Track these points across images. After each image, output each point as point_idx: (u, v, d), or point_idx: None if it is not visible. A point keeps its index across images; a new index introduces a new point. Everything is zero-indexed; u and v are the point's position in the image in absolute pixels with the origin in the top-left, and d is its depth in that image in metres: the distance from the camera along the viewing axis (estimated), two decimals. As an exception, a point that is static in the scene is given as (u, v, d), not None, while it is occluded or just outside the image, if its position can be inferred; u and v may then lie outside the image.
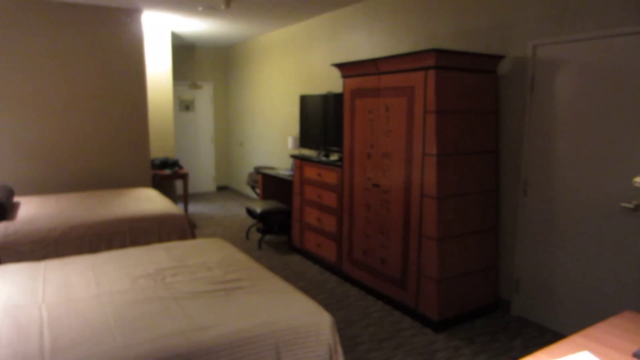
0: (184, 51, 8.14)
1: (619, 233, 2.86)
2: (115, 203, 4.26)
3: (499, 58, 3.38)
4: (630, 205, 2.75)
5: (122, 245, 3.72)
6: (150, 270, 2.56)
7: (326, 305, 3.75)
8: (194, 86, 8.38)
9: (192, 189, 8.59)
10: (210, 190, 8.86)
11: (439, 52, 3.06)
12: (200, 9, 5.00)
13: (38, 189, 4.94)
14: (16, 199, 4.42)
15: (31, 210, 3.95)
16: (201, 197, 8.37)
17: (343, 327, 3.36)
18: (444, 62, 3.13)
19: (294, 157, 5.02)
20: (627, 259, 2.83)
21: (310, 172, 4.73)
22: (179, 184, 7.80)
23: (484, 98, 3.39)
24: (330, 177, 4.39)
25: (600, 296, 2.99)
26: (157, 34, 6.39)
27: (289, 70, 6.40)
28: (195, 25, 6.22)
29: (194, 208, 7.41)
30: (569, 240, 3.16)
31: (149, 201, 4.37)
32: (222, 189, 8.96)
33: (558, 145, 3.17)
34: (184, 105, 8.38)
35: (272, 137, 7.06)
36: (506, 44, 3.42)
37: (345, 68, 4.00)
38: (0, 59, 4.67)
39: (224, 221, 6.54)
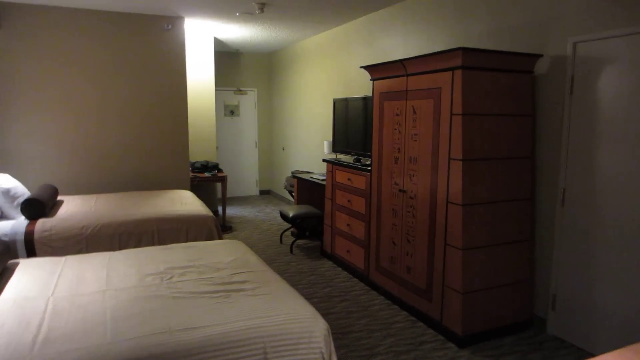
0: (229, 58, 8.34)
1: (667, 249, 2.56)
2: (149, 203, 4.39)
3: (535, 57, 3.15)
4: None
5: (150, 244, 3.81)
6: (161, 269, 2.59)
7: (348, 313, 3.64)
8: (239, 92, 8.56)
9: (235, 192, 8.75)
10: (253, 194, 8.98)
11: (466, 51, 2.89)
12: (238, 14, 5.08)
13: (84, 189, 5.21)
14: (61, 197, 4.67)
15: (71, 208, 4.16)
16: (243, 200, 8.50)
17: (361, 337, 3.25)
18: (472, 62, 2.96)
19: (326, 161, 4.97)
20: (677, 278, 2.52)
21: (341, 177, 4.65)
22: (219, 186, 7.97)
23: (519, 100, 3.17)
24: (360, 182, 4.29)
25: (646, 319, 2.68)
26: (201, 40, 6.58)
27: (327, 75, 6.37)
28: (237, 32, 6.35)
29: (234, 211, 7.53)
30: (610, 256, 2.87)
31: (182, 202, 4.46)
32: (265, 193, 9.06)
33: (600, 151, 2.89)
34: (228, 110, 8.57)
35: (310, 141, 7.05)
36: (544, 41, 3.19)
37: (374, 70, 3.90)
38: (53, 66, 4.98)
39: (262, 225, 6.59)
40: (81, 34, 5.06)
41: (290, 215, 5.20)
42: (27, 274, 2.50)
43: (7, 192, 3.83)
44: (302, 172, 6.31)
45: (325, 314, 3.61)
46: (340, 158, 5.14)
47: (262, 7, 4.65)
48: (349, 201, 4.51)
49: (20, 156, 4.97)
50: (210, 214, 4.14)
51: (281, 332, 1.86)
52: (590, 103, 2.93)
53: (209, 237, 4.03)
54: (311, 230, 5.41)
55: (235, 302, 2.15)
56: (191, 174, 6.18)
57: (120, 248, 3.69)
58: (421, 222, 3.42)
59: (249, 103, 8.73)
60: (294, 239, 5.41)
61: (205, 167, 6.42)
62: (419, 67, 3.34)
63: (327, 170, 4.94)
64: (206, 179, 6.23)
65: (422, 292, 3.45)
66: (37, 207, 3.72)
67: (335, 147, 5.20)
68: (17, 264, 2.72)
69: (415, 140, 3.44)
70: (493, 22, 3.57)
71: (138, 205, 4.32)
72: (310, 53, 6.92)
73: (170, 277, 2.48)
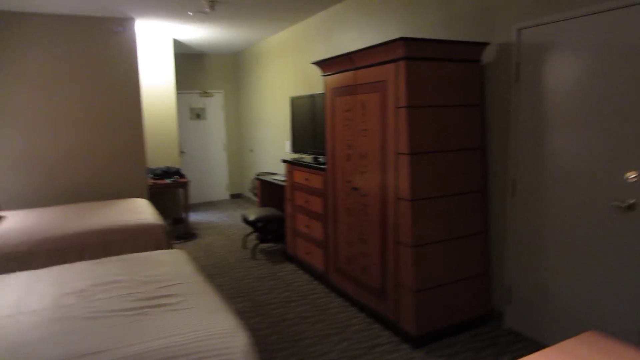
0: (193, 59, 8.15)
1: (612, 235, 2.48)
2: (96, 214, 4.18)
3: (482, 45, 3.07)
4: (623, 205, 2.38)
5: (94, 257, 3.61)
6: (83, 286, 2.42)
7: (304, 318, 3.51)
8: (205, 94, 8.37)
9: (204, 197, 8.55)
10: (224, 198, 8.79)
11: (408, 42, 2.79)
12: (190, 13, 4.92)
13: (32, 202, 4.97)
14: (3, 213, 4.42)
15: (9, 225, 3.92)
16: (213, 205, 8.30)
17: (314, 343, 3.11)
18: (416, 53, 2.86)
19: (285, 161, 4.83)
20: (623, 263, 2.44)
21: (299, 177, 4.52)
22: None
23: (467, 90, 3.08)
24: (316, 181, 4.16)
25: (597, 305, 2.60)
26: (159, 42, 6.39)
27: (288, 73, 6.24)
28: (197, 33, 6.18)
29: (202, 217, 7.33)
30: (560, 245, 2.79)
31: (132, 212, 4.26)
32: (236, 197, 8.88)
33: (548, 139, 2.81)
34: (194, 114, 8.38)
35: (275, 142, 6.91)
36: (491, 29, 3.10)
37: (324, 65, 3.78)
38: (-6, 70, 4.75)
39: (228, 230, 6.41)
40: (25, 38, 4.83)
41: (251, 219, 5.05)
42: None
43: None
44: (267, 173, 6.16)
45: (279, 321, 3.48)
46: (302, 158, 5.01)
47: (213, 4, 4.50)
48: (307, 202, 4.38)
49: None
50: (159, 222, 3.96)
51: (195, 350, 1.71)
52: (536, 90, 2.85)
53: (157, 247, 3.85)
54: (274, 233, 5.26)
55: (153, 319, 2.00)
56: (151, 181, 5.99)
57: (59, 264, 3.49)
58: (373, 220, 3.31)
59: (215, 105, 8.55)
60: (257, 243, 5.26)
61: (166, 173, 6.22)
62: (365, 60, 3.23)
63: (287, 171, 4.80)
64: (166, 186, 6.03)
65: (377, 292, 3.33)
66: (-30, 220, 3.50)
67: (295, 146, 5.07)
68: None
69: (365, 136, 3.33)
70: (443, 11, 3.48)
71: (84, 217, 4.11)
72: (273, 52, 6.79)
73: (92, 295, 2.31)
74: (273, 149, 7.02)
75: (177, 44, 7.02)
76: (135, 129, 5.47)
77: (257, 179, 5.78)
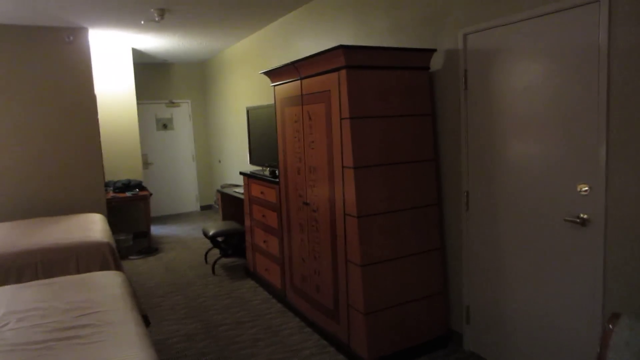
0: (158, 69, 7.94)
1: (567, 251, 2.34)
2: (40, 232, 3.96)
3: (429, 52, 2.93)
4: (577, 220, 2.25)
5: (34, 278, 3.38)
6: (-3, 315, 2.21)
7: (255, 341, 3.32)
8: (171, 104, 8.16)
9: (173, 209, 8.31)
10: (194, 210, 8.56)
11: (348, 50, 2.64)
12: (142, 22, 4.72)
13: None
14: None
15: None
16: (182, 217, 8.07)
17: (260, 369, 2.92)
18: (358, 61, 2.71)
19: (242, 174, 4.65)
20: (578, 280, 2.30)
21: (256, 190, 4.34)
22: (154, 205, 7.55)
23: (416, 99, 2.94)
24: (271, 194, 3.99)
25: (553, 324, 2.46)
26: (117, 52, 6.18)
27: (249, 83, 6.07)
28: (156, 42, 5.98)
29: (168, 230, 7.10)
30: (516, 261, 2.65)
31: (80, 229, 4.04)
32: (207, 209, 8.65)
33: (498, 149, 2.68)
34: (161, 124, 8.15)
35: (238, 153, 6.73)
36: (439, 35, 2.97)
37: (272, 75, 3.62)
38: None
39: (193, 244, 6.19)
40: (-35, 49, 4.60)
41: (210, 233, 4.85)
42: None
43: None
44: (231, 185, 5.97)
45: (229, 344, 3.28)
46: (262, 170, 4.83)
47: (162, 13, 4.31)
48: (263, 216, 4.19)
49: None
50: (106, 240, 3.75)
51: None
52: (485, 98, 2.72)
53: (104, 266, 3.63)
54: (234, 248, 5.07)
55: (56, 354, 1.81)
56: (111, 195, 5.76)
57: (-3, 285, 3.26)
58: (324, 236, 3.14)
59: (183, 115, 8.33)
60: (217, 258, 5.05)
61: (127, 186, 5.99)
62: (309, 70, 3.08)
63: (244, 184, 4.62)
64: (127, 199, 5.80)
65: (331, 313, 3.16)
66: None
67: (253, 158, 4.89)
68: None
69: (313, 149, 3.17)
70: (392, 18, 3.35)
71: (27, 234, 3.88)
72: (235, 61, 6.61)
73: (4, 325, 2.11)
74: (237, 160, 6.83)
75: (141, 54, 6.81)
76: (91, 140, 5.24)
77: (219, 191, 5.58)
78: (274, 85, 3.67)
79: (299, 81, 3.25)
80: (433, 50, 2.91)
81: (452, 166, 3.00)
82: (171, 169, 8.30)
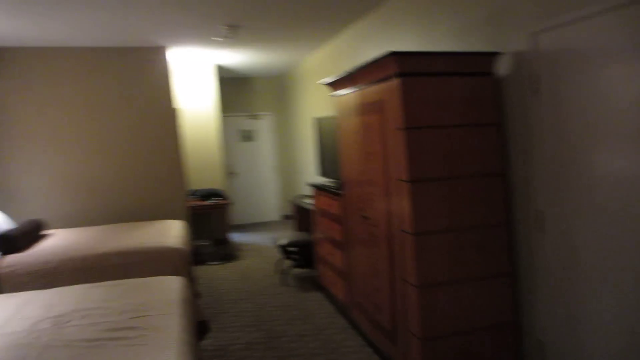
0: (241, 83, 8.30)
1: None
2: (125, 236, 4.28)
3: (493, 55, 2.68)
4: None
5: (112, 279, 3.65)
6: (65, 311, 2.43)
7: (313, 356, 3.26)
8: (253, 117, 8.47)
9: (255, 218, 8.59)
10: (275, 219, 8.77)
11: (399, 56, 2.50)
12: (214, 39, 4.96)
13: (80, 221, 5.23)
14: (51, 230, 4.70)
15: (50, 242, 4.14)
16: (263, 226, 8.30)
17: (313, 388, 2.86)
18: (412, 68, 2.55)
19: (311, 185, 4.65)
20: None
21: (323, 202, 4.30)
22: (237, 212, 7.89)
23: (480, 107, 2.70)
24: (335, 207, 3.92)
25: (642, 375, 2.08)
26: (201, 68, 6.56)
27: (320, 94, 6.07)
28: (233, 57, 6.26)
29: (249, 238, 7.34)
30: (600, 294, 2.28)
31: (159, 234, 4.29)
32: (288, 218, 8.82)
33: (576, 162, 2.35)
34: (244, 136, 8.50)
35: (313, 164, 6.75)
36: (504, 36, 2.70)
37: (332, 86, 3.56)
38: (44, 104, 5.10)
39: (269, 252, 6.32)
40: (69, 71, 5.16)
41: (280, 244, 4.91)
42: None
43: (-21, 232, 3.88)
44: (305, 196, 6.01)
45: (286, 356, 3.26)
46: (329, 182, 4.79)
47: (231, 29, 4.48)
48: (330, 228, 4.14)
49: (19, 192, 5.11)
50: (178, 246, 3.94)
51: None
52: (559, 105, 2.40)
53: (174, 271, 3.81)
54: (305, 259, 5.07)
55: (102, 353, 1.94)
56: (193, 203, 6.09)
57: (82, 283, 3.56)
58: (382, 253, 3.00)
59: (265, 127, 8.61)
60: (289, 268, 5.09)
61: (209, 194, 6.30)
62: (364, 79, 2.97)
63: (314, 195, 4.61)
64: (207, 207, 6.10)
65: (389, 335, 3.00)
66: (7, 242, 3.73)
67: (322, 170, 4.86)
68: None
69: (371, 161, 3.05)
70: (455, 21, 3.13)
71: (113, 238, 4.22)
72: (309, 73, 6.69)
73: (68, 321, 2.31)
74: (312, 171, 6.87)
75: (225, 69, 7.16)
76: (173, 152, 5.60)
77: (293, 202, 5.64)
78: (335, 96, 3.61)
79: (355, 91, 3.16)
80: (497, 54, 2.66)
81: (522, 182, 2.70)
82: (254, 179, 8.60)
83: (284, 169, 8.73)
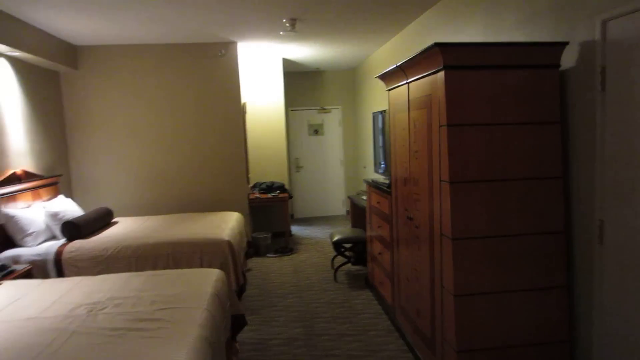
0: (310, 76, 8.33)
1: None
2: (179, 226, 4.46)
3: (558, 46, 2.40)
4: None
5: (165, 268, 3.84)
6: (102, 299, 2.56)
7: (351, 357, 3.19)
8: (322, 110, 8.48)
9: (320, 211, 8.62)
10: (340, 214, 8.74)
11: (445, 48, 2.32)
12: (281, 33, 5.00)
13: (145, 210, 5.57)
14: (118, 218, 5.04)
15: (114, 230, 4.44)
16: (327, 220, 8.29)
17: (343, 390, 2.78)
18: (461, 60, 2.37)
19: (365, 182, 4.54)
20: None
21: (374, 200, 4.19)
22: (296, 206, 7.98)
23: (540, 103, 2.44)
24: (385, 205, 3.79)
25: None
26: (268, 62, 6.68)
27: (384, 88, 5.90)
28: (301, 51, 6.28)
29: (310, 231, 7.37)
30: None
31: (212, 226, 4.41)
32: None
33: (645, 168, 2.04)
34: (312, 130, 8.54)
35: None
36: (569, 25, 2.41)
37: (384, 79, 3.43)
38: (119, 98, 5.48)
39: (327, 247, 6.30)
40: (144, 67, 5.49)
41: (333, 240, 4.86)
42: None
43: (55, 215, 4.25)
44: (363, 192, 5.90)
45: (323, 356, 3.22)
46: (384, 179, 4.65)
47: (294, 23, 4.48)
48: (379, 227, 4.02)
49: (93, 181, 5.56)
50: (227, 238, 4.03)
51: None
52: (628, 101, 2.09)
53: (223, 262, 3.92)
54: (358, 256, 4.98)
55: (121, 343, 2.00)
56: (255, 195, 6.22)
57: (137, 270, 3.77)
58: (424, 257, 2.84)
59: (333, 121, 8.59)
60: (342, 264, 5.04)
61: (270, 188, 6.41)
62: (413, 72, 2.82)
63: (367, 192, 4.50)
64: (268, 200, 6.21)
65: (428, 342, 2.84)
66: (72, 229, 4.04)
67: (376, 165, 4.72)
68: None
69: (417, 159, 2.89)
70: (521, 9, 2.85)
71: (167, 228, 4.42)
72: (375, 67, 6.53)
73: (103, 309, 2.42)
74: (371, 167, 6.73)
75: (293, 63, 7.23)
76: (236, 146, 5.76)
77: (349, 197, 5.57)
78: (388, 90, 3.47)
79: (405, 85, 3.00)
80: (560, 44, 2.38)
81: (581, 187, 2.40)
82: (320, 173, 8.63)
83: (351, 164, 8.66)
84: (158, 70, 5.51)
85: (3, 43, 3.88)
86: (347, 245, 5.10)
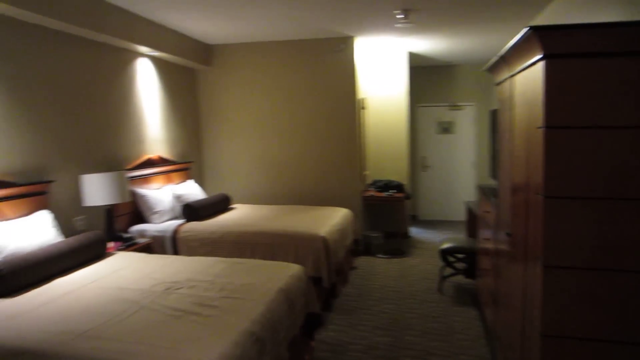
0: (440, 71, 7.84)
1: None
2: (283, 218, 4.57)
3: None
4: None
5: (262, 256, 3.98)
6: (182, 279, 2.72)
7: (429, 381, 2.89)
8: (454, 107, 7.93)
9: (444, 215, 8.12)
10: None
11: (544, 32, 1.90)
12: (397, 25, 4.77)
13: (262, 199, 5.87)
14: (236, 205, 5.40)
15: (228, 215, 4.77)
16: (451, 225, 7.71)
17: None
18: (567, 46, 1.91)
19: (478, 187, 4.08)
20: None
21: (484, 208, 3.74)
22: (420, 207, 7.62)
23: (682, 101, 1.85)
24: (490, 215, 3.35)
25: None
26: (392, 56, 6.45)
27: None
28: (427, 44, 5.93)
29: (429, 235, 6.97)
30: None
31: (315, 220, 4.42)
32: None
33: None
34: (441, 128, 8.05)
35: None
36: None
37: (491, 72, 2.99)
38: (246, 93, 5.84)
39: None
40: (266, 63, 5.76)
41: (441, 248, 4.49)
42: (111, 263, 3.10)
43: (179, 197, 4.72)
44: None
45: (398, 373, 2.98)
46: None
47: (407, 14, 4.22)
48: (485, 239, 3.57)
49: (217, 168, 6.05)
50: (322, 234, 4.00)
51: None
52: None
53: (316, 258, 3.91)
54: (469, 268, 4.51)
55: (175, 324, 2.11)
56: (370, 193, 6.09)
57: (238, 255, 3.97)
58: (517, 282, 2.41)
59: (466, 119, 7.97)
60: (449, 275, 4.63)
61: (387, 186, 6.21)
62: (515, 63, 2.39)
63: (479, 199, 4.05)
64: (382, 199, 6.02)
65: (515, 382, 2.42)
66: (190, 211, 4.44)
67: (492, 170, 4.19)
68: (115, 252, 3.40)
69: (517, 166, 2.46)
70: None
71: (270, 218, 4.56)
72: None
73: (179, 288, 2.57)
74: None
75: (420, 57, 6.88)
76: (351, 142, 5.70)
77: (466, 203, 5.09)
78: (496, 85, 3.04)
79: (509, 79, 2.57)
80: None
81: None
82: (448, 174, 8.11)
83: (484, 166, 7.94)
84: (279, 66, 5.73)
85: (144, 45, 4.41)
86: (460, 256, 4.66)
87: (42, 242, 3.00)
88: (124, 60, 4.51)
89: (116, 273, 2.88)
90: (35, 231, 3.02)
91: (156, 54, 4.81)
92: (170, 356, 1.82)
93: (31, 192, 3.28)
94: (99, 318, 2.16)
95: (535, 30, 1.89)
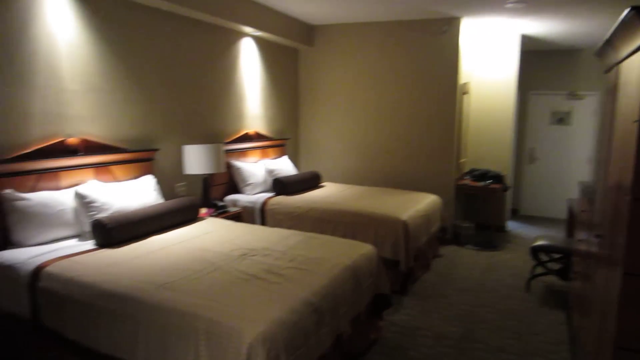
0: (559, 57, 7.14)
1: None
2: (368, 199, 4.59)
3: None
4: None
5: (343, 234, 4.08)
6: (259, 247, 2.91)
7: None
8: (573, 96, 7.21)
9: (549, 212, 7.48)
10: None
11: (649, 13, 1.69)
12: (507, 6, 4.47)
13: (353, 179, 5.97)
14: (326, 182, 5.57)
15: (317, 192, 4.94)
16: (558, 223, 7.07)
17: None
18: (677, 30, 1.69)
19: (580, 185, 3.74)
20: None
21: (582, 206, 3.43)
22: (523, 201, 7.15)
23: None
24: (586, 214, 3.07)
25: None
26: (504, 39, 6.04)
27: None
28: (543, 26, 5.45)
29: (529, 230, 6.50)
30: None
31: (399, 205, 4.38)
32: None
33: None
34: (556, 118, 7.39)
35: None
36: None
37: (600, 57, 2.70)
38: (345, 74, 5.90)
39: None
40: (367, 44, 5.73)
41: (532, 245, 4.22)
42: (202, 227, 3.43)
43: (271, 172, 5.00)
44: (594, 197, 4.85)
45: (464, 365, 2.92)
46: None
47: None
48: (579, 240, 3.29)
49: (311, 146, 6.26)
50: (404, 219, 3.98)
51: (216, 321, 1.98)
52: None
53: (395, 241, 3.93)
54: (561, 269, 4.18)
55: (240, 285, 2.30)
56: (465, 182, 5.87)
57: (320, 231, 4.11)
58: (598, 287, 2.22)
59: (585, 110, 7.21)
60: (539, 274, 4.33)
61: (484, 176, 5.92)
62: (621, 48, 2.14)
63: (581, 197, 3.71)
64: (476, 189, 5.76)
65: (587, 394, 2.25)
66: (279, 185, 4.70)
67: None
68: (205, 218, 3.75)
69: (612, 162, 2.24)
70: None
71: (357, 199, 4.61)
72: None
73: (253, 255, 2.76)
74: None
75: (534, 40, 6.35)
76: (448, 128, 5.51)
77: (567, 200, 4.67)
78: (605, 72, 2.74)
79: (615, 66, 2.32)
80: None
81: None
82: (558, 168, 7.46)
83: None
84: (380, 47, 5.68)
85: (249, 25, 4.69)
86: (556, 255, 4.33)
87: (145, 203, 3.40)
88: (229, 40, 4.83)
89: (203, 236, 3.18)
90: (140, 193, 3.45)
91: (259, 34, 5.07)
92: (232, 313, 2.01)
93: (139, 158, 3.74)
94: (179, 273, 2.43)
95: (636, 10, 1.69)
